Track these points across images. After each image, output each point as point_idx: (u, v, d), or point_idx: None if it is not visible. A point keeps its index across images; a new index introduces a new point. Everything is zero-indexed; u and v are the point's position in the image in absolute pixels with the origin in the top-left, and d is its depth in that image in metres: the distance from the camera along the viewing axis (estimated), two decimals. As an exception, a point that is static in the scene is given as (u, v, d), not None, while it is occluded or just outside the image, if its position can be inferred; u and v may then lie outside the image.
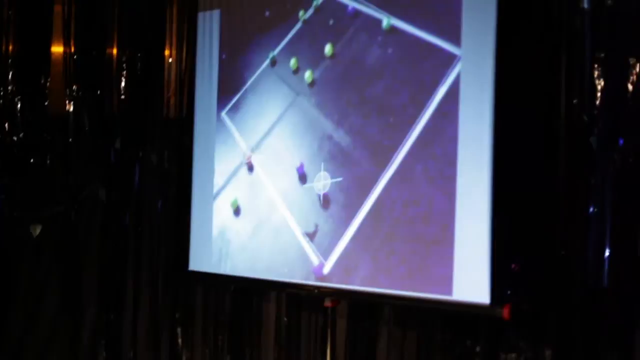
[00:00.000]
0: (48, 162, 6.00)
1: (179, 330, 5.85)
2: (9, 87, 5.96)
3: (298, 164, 4.79)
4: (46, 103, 6.01)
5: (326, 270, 4.60)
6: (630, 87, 3.93)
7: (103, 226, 6.01)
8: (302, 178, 4.76)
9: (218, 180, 5.28)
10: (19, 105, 5.97)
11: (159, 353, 5.89)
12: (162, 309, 5.89)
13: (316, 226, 4.67)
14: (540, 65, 4.15)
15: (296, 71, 4.89)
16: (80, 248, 6.02)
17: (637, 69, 3.91)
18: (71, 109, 5.98)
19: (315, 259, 4.65)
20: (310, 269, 4.67)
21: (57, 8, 6.04)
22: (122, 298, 5.97)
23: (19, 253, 5.97)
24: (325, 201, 4.64)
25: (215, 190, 5.28)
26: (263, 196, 5.00)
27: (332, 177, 4.62)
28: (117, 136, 5.97)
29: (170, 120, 5.88)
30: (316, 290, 4.69)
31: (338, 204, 4.58)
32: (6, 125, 5.95)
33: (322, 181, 4.66)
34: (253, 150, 5.07)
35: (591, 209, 4.03)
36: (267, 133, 5.00)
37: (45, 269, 6.00)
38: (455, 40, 4.13)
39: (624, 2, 3.99)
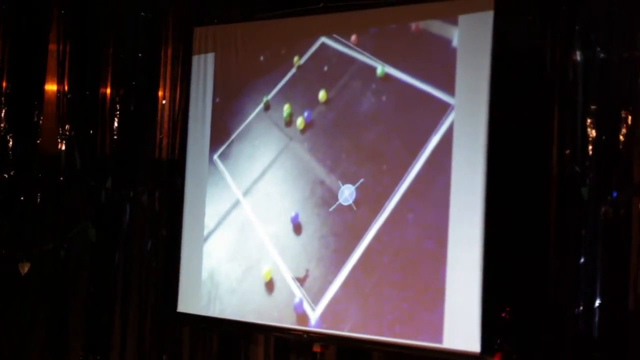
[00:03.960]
0: (38, 200, 5.98)
1: (165, 372, 5.81)
2: (1, 125, 5.95)
3: (293, 214, 4.79)
4: (38, 141, 6.00)
5: (315, 315, 4.59)
6: (622, 138, 3.97)
7: (92, 266, 5.97)
8: (297, 228, 4.77)
9: (209, 222, 5.26)
10: (10, 143, 5.96)
11: (145, 395, 5.85)
12: (149, 351, 5.83)
13: (307, 271, 4.67)
14: (533, 115, 4.19)
15: (290, 117, 4.91)
16: (68, 287, 5.98)
17: (629, 121, 3.95)
18: (63, 147, 5.97)
19: (305, 304, 4.64)
20: (299, 314, 4.66)
21: (52, 47, 6.05)
22: (109, 339, 5.91)
23: (6, 291, 5.92)
24: (321, 242, 4.64)
25: (205, 232, 5.27)
26: (253, 240, 4.99)
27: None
28: (109, 176, 5.95)
29: (162, 162, 5.87)
30: (305, 335, 4.68)
31: (329, 249, 4.58)
32: (-3, 162, 5.95)
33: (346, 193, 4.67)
34: (245, 193, 5.07)
35: (582, 260, 4.04)
36: (259, 177, 5.01)
37: (32, 307, 5.95)
38: (450, 89, 4.17)
39: (616, 55, 4.04)
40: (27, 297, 5.95)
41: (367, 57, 4.56)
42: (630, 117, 3.96)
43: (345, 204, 4.58)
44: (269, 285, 4.83)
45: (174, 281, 5.42)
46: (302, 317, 4.65)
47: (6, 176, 5.94)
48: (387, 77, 4.47)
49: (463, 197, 4.07)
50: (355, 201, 4.52)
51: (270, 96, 5.03)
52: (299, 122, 4.84)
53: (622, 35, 4.04)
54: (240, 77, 5.21)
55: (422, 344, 4.17)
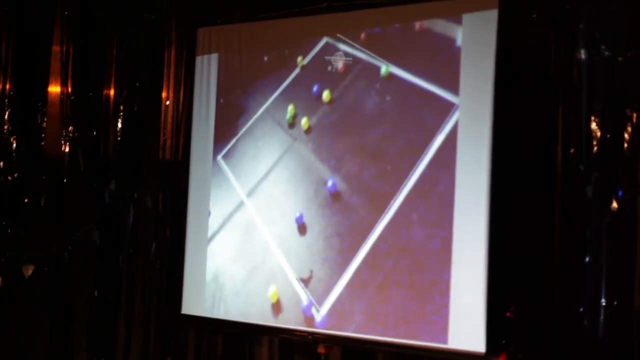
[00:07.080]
0: (42, 202, 5.97)
1: (170, 374, 5.80)
2: (5, 127, 5.95)
3: (297, 214, 4.78)
4: (42, 143, 5.99)
5: (320, 316, 4.58)
6: (626, 137, 3.95)
7: (96, 268, 5.96)
8: (302, 229, 4.76)
9: (213, 223, 5.26)
10: (14, 145, 5.95)
11: (149, 398, 5.84)
12: (153, 353, 5.83)
13: (311, 272, 4.66)
14: (537, 114, 4.18)
15: (293, 118, 4.91)
16: (72, 289, 5.97)
17: (634, 120, 3.94)
18: (67, 149, 5.97)
19: (310, 305, 4.64)
20: (304, 315, 4.65)
21: (55, 48, 6.04)
22: (113, 341, 5.90)
23: (11, 293, 5.92)
24: (325, 243, 4.63)
25: (209, 233, 5.26)
26: (258, 241, 4.98)
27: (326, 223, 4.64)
28: (112, 178, 5.95)
29: (165, 163, 5.86)
30: (310, 336, 4.67)
31: (334, 250, 4.57)
32: (1, 164, 5.93)
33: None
34: (248, 194, 5.06)
35: (587, 259, 4.03)
36: (263, 178, 5.00)
37: (36, 310, 5.95)
38: (454, 88, 4.16)
39: (620, 54, 4.03)
40: (31, 299, 5.94)
41: (371, 56, 4.56)
42: (635, 116, 3.95)
43: (333, 190, 4.64)
44: (276, 306, 4.82)
45: (178, 283, 5.41)
46: (308, 319, 4.64)
47: (10, 178, 5.93)
48: (391, 76, 4.46)
49: (468, 196, 4.06)
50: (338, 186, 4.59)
51: (274, 96, 5.02)
52: (303, 122, 4.83)
53: (627, 33, 4.03)
54: (243, 77, 5.21)
55: (426, 344, 4.16)
